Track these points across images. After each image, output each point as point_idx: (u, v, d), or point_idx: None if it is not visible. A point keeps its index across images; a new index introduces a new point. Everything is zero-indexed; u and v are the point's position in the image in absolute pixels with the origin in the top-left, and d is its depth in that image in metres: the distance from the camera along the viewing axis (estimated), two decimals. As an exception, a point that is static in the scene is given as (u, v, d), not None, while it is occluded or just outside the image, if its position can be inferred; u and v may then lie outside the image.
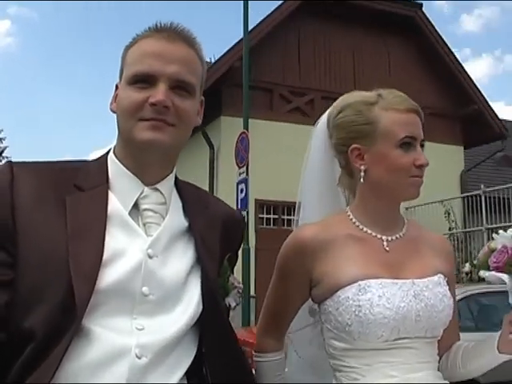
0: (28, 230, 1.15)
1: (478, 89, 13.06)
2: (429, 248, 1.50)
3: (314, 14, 11.97)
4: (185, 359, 1.24)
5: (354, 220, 1.48)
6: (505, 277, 1.34)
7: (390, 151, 1.42)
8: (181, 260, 1.26)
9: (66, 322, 1.10)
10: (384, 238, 1.46)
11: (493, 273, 1.36)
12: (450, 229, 11.49)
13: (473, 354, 1.49)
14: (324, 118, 1.58)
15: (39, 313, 1.11)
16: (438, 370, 1.47)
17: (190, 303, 1.24)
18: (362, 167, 1.45)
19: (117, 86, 1.30)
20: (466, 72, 13.05)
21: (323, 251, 1.42)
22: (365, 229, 1.47)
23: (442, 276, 1.45)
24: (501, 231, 1.39)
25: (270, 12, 11.71)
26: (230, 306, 1.38)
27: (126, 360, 1.13)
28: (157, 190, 1.28)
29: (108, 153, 1.32)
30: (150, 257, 1.21)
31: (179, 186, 1.36)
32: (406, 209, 9.89)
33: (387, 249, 1.45)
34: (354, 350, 1.39)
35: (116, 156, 1.30)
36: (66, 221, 1.17)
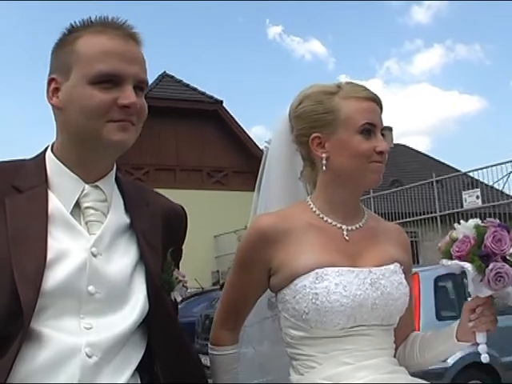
0: None
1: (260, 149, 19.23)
2: (386, 238, 1.51)
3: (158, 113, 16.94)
4: (134, 356, 1.24)
5: (314, 209, 1.48)
6: (467, 265, 1.34)
7: (350, 138, 1.43)
8: (124, 257, 1.25)
9: (14, 327, 1.09)
10: (344, 227, 1.46)
11: (455, 261, 1.36)
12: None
13: (430, 342, 1.50)
14: (283, 114, 1.58)
15: None
16: (395, 357, 1.47)
17: (137, 300, 1.24)
18: (324, 155, 1.45)
19: (54, 80, 1.23)
20: (253, 141, 18.98)
21: (282, 240, 1.42)
22: (325, 218, 1.47)
23: (398, 265, 1.46)
24: (462, 221, 1.41)
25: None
26: (175, 300, 1.38)
27: (77, 359, 1.13)
28: (97, 187, 1.26)
29: (45, 151, 1.29)
30: (94, 255, 1.20)
31: (119, 182, 1.33)
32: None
33: (347, 238, 1.45)
34: (311, 339, 1.39)
35: (54, 154, 1.26)
36: (6, 224, 1.15)
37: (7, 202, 1.18)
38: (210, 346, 1.53)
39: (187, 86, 18.99)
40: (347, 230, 1.46)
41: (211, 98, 18.71)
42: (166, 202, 1.44)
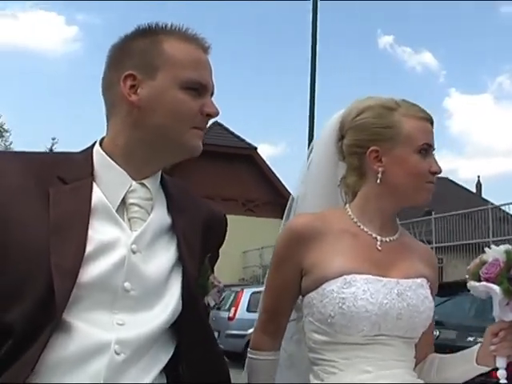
0: (7, 223, 1.14)
1: (285, 188, 23.85)
2: (416, 254, 1.53)
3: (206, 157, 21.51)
4: (162, 357, 1.24)
5: (352, 216, 1.51)
6: (494, 287, 1.36)
7: (409, 156, 1.46)
8: (163, 257, 1.26)
9: (45, 318, 1.10)
10: (379, 237, 1.48)
11: (483, 283, 1.38)
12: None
13: (449, 363, 1.51)
14: (331, 123, 1.61)
15: (18, 308, 1.10)
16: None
17: (170, 301, 1.24)
18: (380, 169, 1.47)
19: (132, 76, 1.23)
20: (281, 182, 23.68)
21: (316, 241, 1.45)
22: (362, 226, 1.49)
23: (425, 280, 1.48)
24: (493, 246, 1.43)
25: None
26: (209, 304, 1.39)
27: (105, 356, 1.14)
28: (144, 185, 1.27)
29: (93, 145, 1.30)
30: (134, 252, 1.21)
31: (164, 181, 1.35)
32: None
33: (379, 248, 1.47)
34: (334, 344, 1.40)
35: (104, 149, 1.27)
36: (48, 214, 1.16)
37: (51, 192, 1.18)
38: (249, 350, 1.54)
39: (232, 133, 24.37)
40: (381, 240, 1.49)
41: (248, 144, 24.11)
42: (208, 207, 1.45)
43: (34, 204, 1.17)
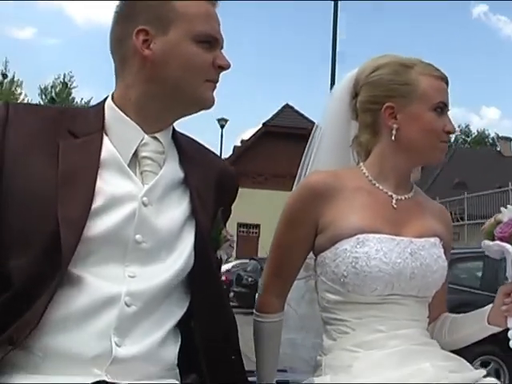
0: (16, 171, 1.15)
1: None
2: (431, 213, 1.52)
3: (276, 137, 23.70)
4: (176, 311, 1.25)
5: (367, 174, 1.49)
6: (508, 246, 1.35)
7: (424, 113, 1.45)
8: (175, 210, 1.27)
9: (51, 269, 1.10)
10: (394, 196, 1.47)
11: (497, 242, 1.37)
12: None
13: (461, 323, 1.51)
14: (345, 81, 1.59)
15: (24, 255, 1.11)
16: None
17: (183, 253, 1.25)
18: (395, 125, 1.45)
19: (144, 31, 1.23)
20: None
21: (332, 198, 1.43)
22: (377, 184, 1.48)
23: (438, 239, 1.46)
24: (509, 205, 1.42)
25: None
26: (221, 258, 1.39)
27: (115, 308, 1.15)
28: (156, 138, 1.27)
29: (105, 100, 1.30)
30: (145, 205, 1.21)
31: (176, 136, 1.35)
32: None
33: (395, 206, 1.46)
34: (347, 303, 1.40)
35: (115, 103, 1.28)
36: (57, 165, 1.16)
37: (61, 145, 1.19)
38: (255, 312, 1.52)
39: (301, 115, 25.17)
40: (397, 198, 1.48)
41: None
42: (219, 161, 1.47)
43: (45, 156, 1.18)
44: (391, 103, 1.46)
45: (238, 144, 33.27)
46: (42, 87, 42.22)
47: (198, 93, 1.27)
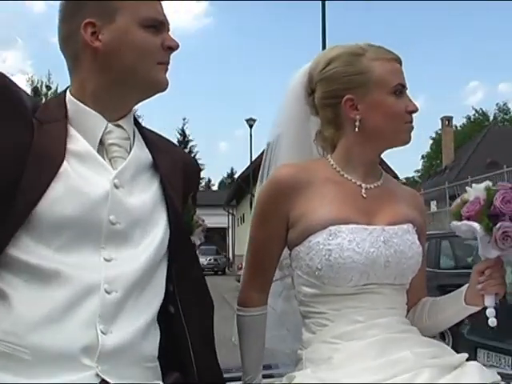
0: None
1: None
2: (402, 199, 1.52)
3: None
4: (156, 296, 1.26)
5: (334, 165, 1.49)
6: (475, 225, 1.35)
7: (384, 98, 1.44)
8: (146, 193, 1.28)
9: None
10: (363, 185, 1.47)
11: (465, 222, 1.37)
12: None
13: (440, 306, 1.50)
14: (298, 78, 1.57)
15: None
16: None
17: (157, 235, 1.26)
18: (358, 116, 1.45)
19: (91, 23, 1.25)
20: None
21: (301, 191, 1.43)
22: (345, 175, 1.48)
23: (411, 225, 1.46)
24: (474, 184, 1.42)
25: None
26: (194, 244, 1.40)
27: (95, 296, 1.15)
28: (119, 126, 1.29)
29: (64, 93, 1.32)
30: (117, 187, 1.23)
31: (137, 124, 1.37)
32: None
33: (364, 195, 1.46)
34: (323, 296, 1.40)
35: (74, 96, 1.29)
36: (31, 141, 1.17)
37: (35, 124, 1.20)
38: (237, 307, 1.53)
39: None
40: (366, 187, 1.47)
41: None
42: (181, 151, 1.50)
43: (18, 127, 1.19)
44: (350, 95, 1.46)
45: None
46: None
47: (151, 76, 1.29)
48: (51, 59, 54.27)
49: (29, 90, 41.68)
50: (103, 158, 1.26)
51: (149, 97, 1.35)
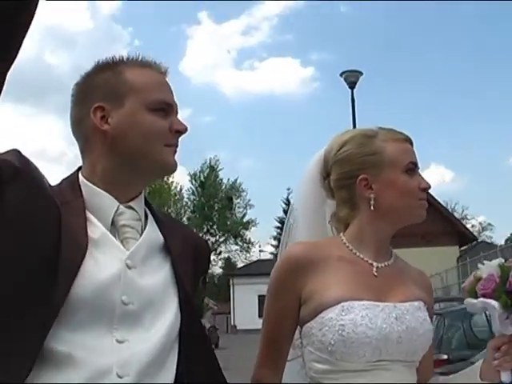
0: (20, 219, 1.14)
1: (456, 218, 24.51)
2: (411, 278, 1.54)
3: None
4: (169, 377, 1.24)
5: (347, 244, 1.52)
6: (493, 302, 1.35)
7: (398, 177, 1.49)
8: (157, 274, 1.29)
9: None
10: (375, 264, 1.50)
11: (481, 299, 1.37)
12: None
13: (453, 381, 1.51)
14: (313, 164, 1.63)
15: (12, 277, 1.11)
16: None
17: (169, 317, 1.26)
18: (372, 195, 1.49)
19: (101, 107, 1.28)
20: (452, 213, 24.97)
21: (314, 269, 1.45)
22: (357, 253, 1.51)
23: (422, 302, 1.48)
24: (485, 261, 1.43)
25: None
26: (204, 326, 1.39)
27: (107, 380, 1.14)
28: (131, 207, 1.31)
29: (75, 174, 1.33)
30: (129, 267, 1.23)
31: (148, 205, 1.39)
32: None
33: (375, 274, 1.48)
34: (336, 372, 1.39)
35: (85, 178, 1.31)
36: (59, 222, 1.17)
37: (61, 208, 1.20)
38: None
39: None
40: (377, 266, 1.50)
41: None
42: (192, 233, 1.51)
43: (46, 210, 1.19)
44: (364, 175, 1.50)
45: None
46: (192, 173, 45.15)
47: (159, 159, 1.30)
48: None
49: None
50: (115, 237, 1.27)
51: (157, 179, 1.38)
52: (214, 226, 45.80)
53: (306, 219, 1.65)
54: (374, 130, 1.56)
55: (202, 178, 44.97)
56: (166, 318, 1.26)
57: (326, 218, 1.63)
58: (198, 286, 1.42)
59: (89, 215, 1.25)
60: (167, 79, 1.38)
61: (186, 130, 1.34)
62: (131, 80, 1.31)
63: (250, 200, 45.19)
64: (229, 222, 44.41)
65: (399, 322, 1.40)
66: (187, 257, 1.37)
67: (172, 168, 1.34)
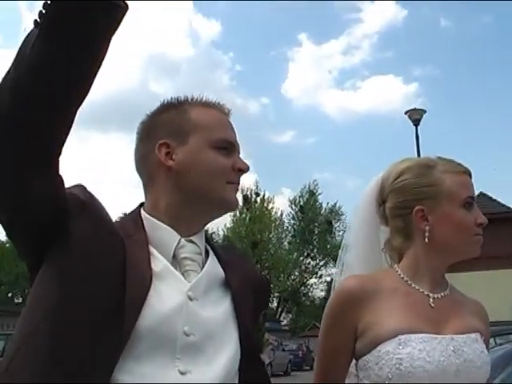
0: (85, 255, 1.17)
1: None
2: (468, 309, 1.52)
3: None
4: None
5: (402, 275, 1.51)
6: None
7: (455, 211, 1.48)
8: (218, 307, 1.31)
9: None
10: (431, 295, 1.48)
11: None
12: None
13: None
14: (370, 190, 1.63)
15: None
16: None
17: (231, 350, 1.27)
18: (427, 227, 1.48)
19: (166, 144, 1.33)
20: None
21: (370, 302, 1.45)
22: (413, 284, 1.49)
23: (479, 334, 1.46)
24: None
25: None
26: (264, 362, 1.38)
27: None
28: (192, 241, 1.34)
29: (137, 210, 1.37)
30: (191, 299, 1.25)
31: (208, 240, 1.42)
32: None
33: (432, 305, 1.47)
34: None
35: (148, 213, 1.34)
36: (124, 256, 1.20)
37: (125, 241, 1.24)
38: None
39: (495, 200, 25.03)
40: (433, 297, 1.48)
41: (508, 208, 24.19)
42: (253, 268, 1.52)
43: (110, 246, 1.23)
44: (421, 206, 1.50)
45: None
46: (291, 198, 46.47)
47: (221, 195, 1.34)
48: (268, 158, 58.32)
49: (240, 198, 45.67)
50: (176, 271, 1.30)
51: (219, 215, 1.40)
52: (314, 250, 45.96)
53: (360, 243, 1.66)
54: (434, 159, 1.56)
55: (301, 203, 45.64)
56: (227, 352, 1.28)
57: (380, 245, 1.63)
58: (257, 321, 1.45)
59: (151, 249, 1.28)
60: (230, 120, 1.42)
61: (247, 169, 1.38)
62: (196, 118, 1.36)
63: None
64: (329, 246, 44.42)
65: (457, 354, 1.40)
66: (247, 292, 1.39)
67: (233, 205, 1.37)
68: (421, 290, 1.50)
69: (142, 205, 1.39)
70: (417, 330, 1.41)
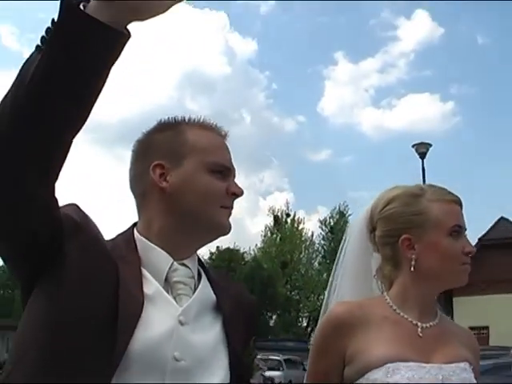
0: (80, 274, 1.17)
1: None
2: (457, 339, 1.52)
3: (493, 248, 26.14)
4: None
5: (391, 304, 1.50)
6: None
7: (441, 240, 1.47)
8: (209, 332, 1.30)
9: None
10: (419, 324, 1.48)
11: None
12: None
13: None
14: (361, 217, 1.64)
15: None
16: None
17: (219, 376, 1.26)
18: (413, 256, 1.48)
19: (160, 165, 1.31)
20: None
21: (358, 329, 1.45)
22: (401, 313, 1.49)
23: (468, 364, 1.46)
24: None
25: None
26: None
27: None
28: (184, 265, 1.32)
29: (132, 229, 1.35)
30: (182, 324, 1.24)
31: (201, 263, 1.41)
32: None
33: (420, 335, 1.47)
34: None
35: (140, 233, 1.33)
36: (117, 280, 1.19)
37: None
38: None
39: None
40: (422, 327, 1.48)
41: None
42: (243, 291, 1.51)
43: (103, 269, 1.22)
44: (407, 235, 1.50)
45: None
46: (321, 219, 46.64)
47: (214, 220, 1.32)
48: (304, 175, 58.56)
49: (271, 219, 45.58)
50: (168, 294, 1.28)
51: (212, 240, 1.39)
52: (344, 271, 46.07)
53: (353, 267, 1.67)
54: (423, 187, 1.57)
55: (331, 224, 46.04)
56: (217, 377, 1.27)
57: (371, 271, 1.63)
58: (248, 346, 1.44)
59: (143, 271, 1.27)
60: (227, 142, 1.41)
61: (242, 193, 1.36)
62: (192, 140, 1.34)
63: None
64: (358, 267, 44.69)
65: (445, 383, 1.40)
66: (238, 316, 1.38)
67: (226, 230, 1.36)
68: (409, 319, 1.50)
69: (135, 224, 1.38)
70: (406, 359, 1.41)
